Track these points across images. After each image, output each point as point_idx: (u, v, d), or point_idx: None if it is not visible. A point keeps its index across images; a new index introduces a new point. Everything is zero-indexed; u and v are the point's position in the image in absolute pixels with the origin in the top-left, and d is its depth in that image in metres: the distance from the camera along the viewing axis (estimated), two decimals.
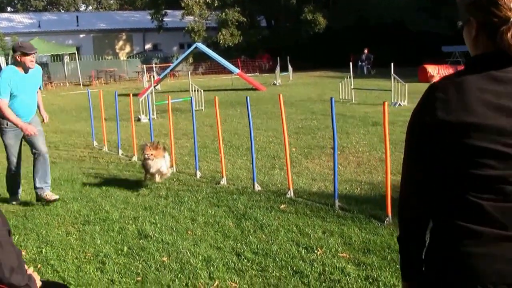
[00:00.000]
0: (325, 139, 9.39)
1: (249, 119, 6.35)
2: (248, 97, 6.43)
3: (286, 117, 12.03)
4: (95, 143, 10.05)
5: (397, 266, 3.70)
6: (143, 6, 54.36)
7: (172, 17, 38.62)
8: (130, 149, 9.18)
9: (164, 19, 36.77)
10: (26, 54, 5.48)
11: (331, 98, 5.09)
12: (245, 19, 32.92)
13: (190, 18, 33.48)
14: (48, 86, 27.18)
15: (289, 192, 5.71)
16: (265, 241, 4.42)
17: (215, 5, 32.63)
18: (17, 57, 5.53)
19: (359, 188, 6.03)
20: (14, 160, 5.86)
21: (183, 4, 32.27)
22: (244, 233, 4.66)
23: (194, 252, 4.30)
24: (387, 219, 4.69)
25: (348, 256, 4.03)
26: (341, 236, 4.43)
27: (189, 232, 4.79)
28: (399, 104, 13.50)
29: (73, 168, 8.06)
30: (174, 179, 6.94)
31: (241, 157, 8.19)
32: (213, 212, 5.33)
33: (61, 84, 29.02)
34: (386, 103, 4.74)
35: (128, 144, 9.52)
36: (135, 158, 8.36)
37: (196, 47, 19.61)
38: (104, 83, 29.18)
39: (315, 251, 4.15)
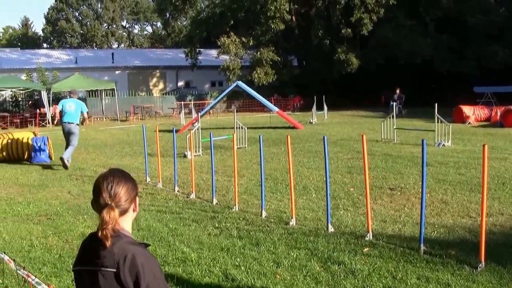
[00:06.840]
0: (379, 179, 9.31)
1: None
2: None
3: (333, 156, 12.22)
4: (148, 179, 10.12)
5: None
6: (173, 44, 55.92)
7: (205, 56, 39.45)
8: (185, 185, 9.22)
9: (198, 57, 37.57)
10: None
11: (422, 141, 5.05)
12: (279, 58, 33.37)
13: (225, 56, 34.12)
14: (86, 120, 27.70)
15: (368, 235, 5.62)
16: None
17: (250, 44, 33.21)
18: None
19: (435, 232, 5.90)
20: None
21: (219, 43, 32.90)
22: (335, 278, 4.56)
23: None
24: (480, 265, 4.56)
25: None
26: (438, 283, 4.32)
27: (278, 276, 4.66)
28: (443, 145, 13.43)
29: None
30: (241, 218, 6.90)
31: (301, 197, 8.14)
32: (295, 255, 5.21)
33: (98, 118, 29.57)
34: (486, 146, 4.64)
35: (182, 181, 9.57)
36: (193, 196, 8.38)
37: (237, 85, 19.86)
38: (140, 119, 29.67)
39: None
